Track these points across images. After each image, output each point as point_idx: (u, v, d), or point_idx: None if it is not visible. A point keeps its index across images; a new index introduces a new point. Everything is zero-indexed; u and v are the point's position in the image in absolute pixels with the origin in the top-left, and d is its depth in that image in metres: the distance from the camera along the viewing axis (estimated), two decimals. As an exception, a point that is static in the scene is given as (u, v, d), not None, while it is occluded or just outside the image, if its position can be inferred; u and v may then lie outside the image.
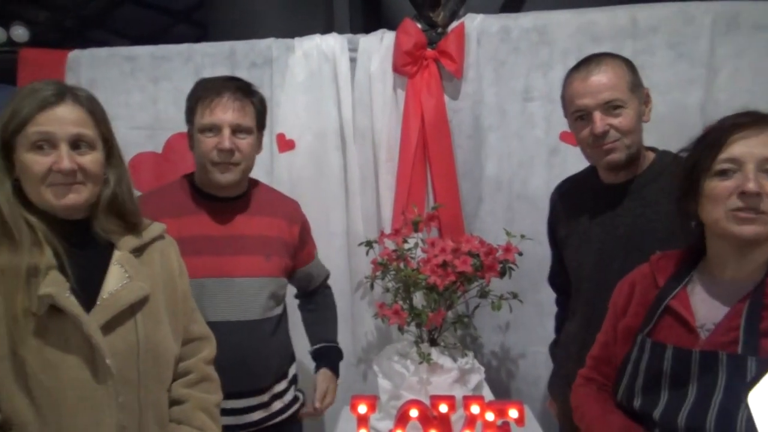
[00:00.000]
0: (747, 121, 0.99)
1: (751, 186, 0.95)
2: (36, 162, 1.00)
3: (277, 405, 1.56)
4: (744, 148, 0.97)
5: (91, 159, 1.04)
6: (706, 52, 1.90)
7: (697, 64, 1.91)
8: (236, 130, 1.44)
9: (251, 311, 1.48)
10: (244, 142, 1.46)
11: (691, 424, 0.95)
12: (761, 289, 0.97)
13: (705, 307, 1.03)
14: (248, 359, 1.46)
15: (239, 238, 1.49)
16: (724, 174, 0.99)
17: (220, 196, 1.51)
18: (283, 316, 1.61)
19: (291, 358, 1.67)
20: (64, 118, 1.01)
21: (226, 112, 1.43)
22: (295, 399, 1.63)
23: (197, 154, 1.48)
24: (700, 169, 1.02)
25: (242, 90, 1.47)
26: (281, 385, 1.58)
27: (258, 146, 1.54)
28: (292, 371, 1.65)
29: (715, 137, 1.01)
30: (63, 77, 2.10)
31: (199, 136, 1.45)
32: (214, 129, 1.43)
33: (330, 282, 2.07)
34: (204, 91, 1.46)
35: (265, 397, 1.52)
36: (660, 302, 1.08)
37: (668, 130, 1.86)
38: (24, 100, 1.00)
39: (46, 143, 1.00)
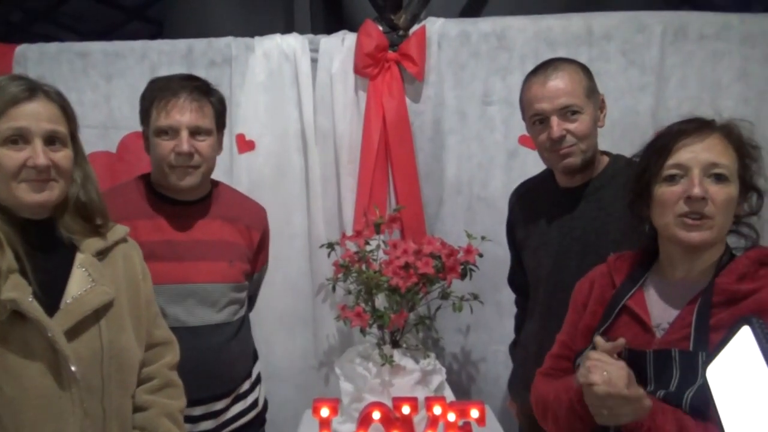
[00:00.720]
0: (692, 128, 1.02)
1: (696, 191, 0.98)
2: (8, 157, 0.97)
3: (238, 407, 1.53)
4: (690, 154, 1.00)
5: (64, 155, 1.02)
6: (656, 59, 1.97)
7: (648, 71, 1.98)
8: (195, 132, 1.39)
9: (215, 316, 1.45)
10: (204, 143, 1.41)
11: None
12: (710, 289, 1.01)
13: (659, 307, 1.07)
14: (214, 364, 1.43)
15: (201, 243, 1.45)
16: (671, 179, 1.02)
17: (179, 200, 1.46)
18: (245, 317, 1.59)
19: (255, 357, 1.65)
20: (39, 114, 0.99)
21: (183, 113, 1.37)
22: (255, 403, 1.60)
23: (154, 157, 1.42)
24: (650, 174, 1.05)
25: (200, 89, 1.42)
26: (245, 386, 1.56)
27: (218, 147, 1.49)
28: (256, 370, 1.64)
29: (662, 144, 1.04)
30: (10, 72, 2.01)
31: (155, 138, 1.39)
32: (171, 131, 1.38)
33: (291, 284, 2.06)
34: (159, 91, 1.40)
35: (228, 401, 1.50)
36: (617, 302, 1.11)
37: (621, 135, 1.94)
38: None
39: (19, 138, 0.98)
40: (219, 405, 1.47)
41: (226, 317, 1.48)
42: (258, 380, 1.64)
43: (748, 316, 0.70)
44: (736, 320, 0.95)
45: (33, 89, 1.01)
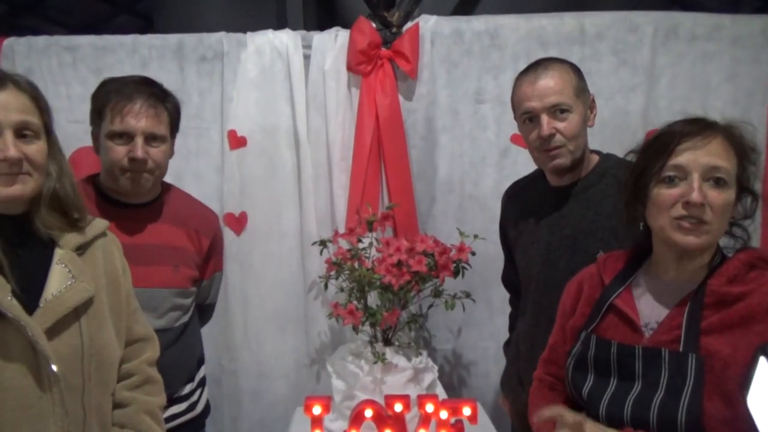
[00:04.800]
0: (695, 130, 1.01)
1: (695, 197, 0.97)
2: None
3: (173, 410, 1.50)
4: (690, 156, 0.99)
5: (37, 148, 0.99)
6: (647, 59, 1.98)
7: (639, 71, 1.99)
8: (150, 138, 1.38)
9: (155, 322, 1.41)
10: (158, 150, 1.40)
11: (636, 414, 0.99)
12: (702, 290, 1.01)
13: (649, 306, 1.07)
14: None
15: (147, 247, 1.43)
16: (670, 181, 1.01)
17: (127, 203, 1.44)
18: (190, 323, 1.56)
19: (200, 361, 1.63)
20: (8, 105, 0.96)
21: (139, 119, 1.35)
22: (193, 406, 1.58)
23: (105, 159, 1.40)
24: (648, 173, 1.04)
25: (156, 96, 1.40)
26: (185, 389, 1.54)
27: (171, 152, 1.48)
28: (200, 374, 1.62)
29: (663, 143, 1.02)
30: (-3, 66, 1.98)
31: (108, 141, 1.37)
32: (126, 137, 1.36)
33: (282, 282, 2.05)
34: (114, 94, 1.37)
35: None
36: (604, 300, 1.11)
37: (611, 134, 1.95)
38: None
39: None
40: None
41: (167, 323, 1.45)
42: (201, 384, 1.62)
43: (764, 344, 0.70)
44: (726, 324, 0.96)
45: (1, 79, 0.97)
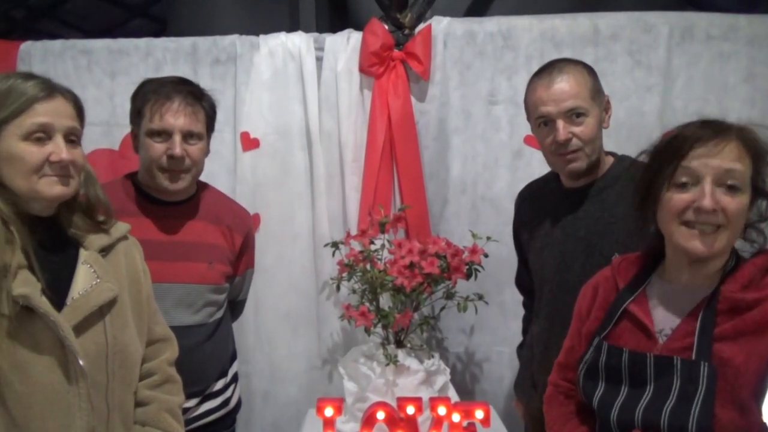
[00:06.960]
0: (708, 135, 0.98)
1: (706, 203, 0.95)
2: (30, 152, 0.98)
3: (206, 405, 1.52)
4: (703, 161, 0.96)
5: (79, 153, 1.05)
6: (663, 60, 1.97)
7: (655, 72, 1.97)
8: (187, 135, 1.42)
9: (191, 318, 1.46)
10: (195, 147, 1.44)
11: (646, 420, 0.98)
12: (716, 296, 0.99)
13: (663, 312, 1.05)
14: (185, 365, 1.40)
15: (183, 244, 1.47)
16: (682, 186, 0.98)
17: (164, 200, 1.48)
18: (223, 319, 1.59)
19: (233, 357, 1.65)
20: (62, 111, 1.02)
21: (177, 118, 1.40)
22: (226, 402, 1.59)
23: (144, 157, 1.44)
24: (660, 177, 1.01)
25: (193, 95, 1.44)
26: (217, 385, 1.55)
27: (207, 150, 1.52)
28: (232, 370, 1.64)
29: (675, 147, 1.00)
30: (14, 69, 2.01)
31: (147, 140, 1.41)
32: (164, 134, 1.40)
33: (294, 283, 2.06)
34: (153, 94, 1.41)
35: (198, 399, 1.50)
36: (618, 306, 1.09)
37: (626, 135, 1.93)
38: (14, 90, 0.99)
39: (42, 134, 0.99)
40: (188, 404, 1.46)
41: (202, 319, 1.49)
42: (234, 380, 1.64)
43: None
44: (739, 331, 0.95)
45: (51, 87, 1.03)
